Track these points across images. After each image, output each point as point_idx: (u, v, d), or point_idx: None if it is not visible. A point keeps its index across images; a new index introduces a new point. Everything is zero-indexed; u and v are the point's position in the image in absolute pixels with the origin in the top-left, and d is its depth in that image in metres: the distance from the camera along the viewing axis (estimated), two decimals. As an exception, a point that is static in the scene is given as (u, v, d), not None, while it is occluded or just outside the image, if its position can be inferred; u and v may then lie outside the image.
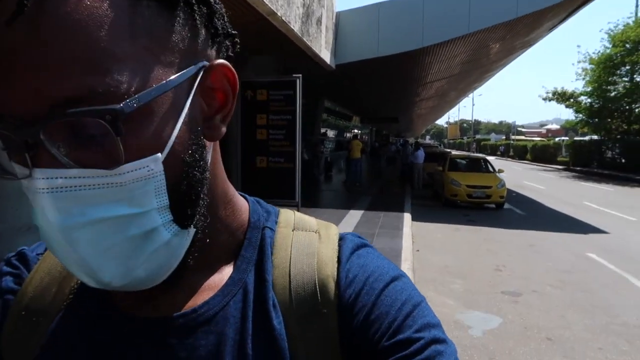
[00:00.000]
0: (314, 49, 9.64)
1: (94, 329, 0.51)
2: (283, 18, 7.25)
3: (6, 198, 5.28)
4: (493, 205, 13.56)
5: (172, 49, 0.43)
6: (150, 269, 0.45)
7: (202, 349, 0.49)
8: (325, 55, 10.82)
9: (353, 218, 10.07)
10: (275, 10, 6.83)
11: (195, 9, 0.45)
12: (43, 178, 0.38)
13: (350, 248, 0.56)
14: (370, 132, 45.86)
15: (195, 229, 0.48)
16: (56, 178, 0.38)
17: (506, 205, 13.64)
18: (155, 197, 0.43)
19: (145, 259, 0.44)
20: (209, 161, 0.49)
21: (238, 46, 0.54)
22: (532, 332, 4.76)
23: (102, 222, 0.41)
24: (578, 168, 29.95)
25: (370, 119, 33.86)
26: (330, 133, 25.16)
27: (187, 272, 0.50)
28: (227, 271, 0.54)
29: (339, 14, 12.04)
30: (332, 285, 0.52)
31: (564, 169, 31.25)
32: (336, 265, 0.53)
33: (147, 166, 0.41)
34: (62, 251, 0.41)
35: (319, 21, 9.89)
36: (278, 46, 9.10)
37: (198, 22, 0.46)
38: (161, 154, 0.42)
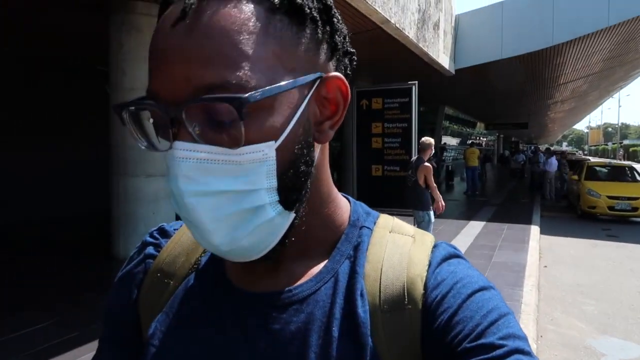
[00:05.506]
0: (431, 54, 9.41)
1: (210, 295, 0.60)
2: (397, 25, 7.19)
3: (142, 204, 5.94)
4: (641, 220, 11.93)
5: (296, 57, 0.51)
6: (253, 242, 0.51)
7: (292, 325, 0.54)
8: (444, 60, 10.49)
9: (473, 229, 9.56)
10: (388, 18, 6.82)
11: (320, 25, 0.53)
12: (181, 149, 0.47)
13: (442, 255, 0.58)
14: (497, 139, 43.32)
15: (294, 215, 0.54)
16: (190, 150, 0.47)
17: (659, 220, 11.89)
18: (266, 179, 0.50)
19: (250, 231, 0.50)
20: (315, 159, 0.56)
21: (355, 63, 0.61)
22: (685, 367, 4.06)
23: (221, 194, 0.48)
24: None
25: (496, 125, 32.00)
26: (453, 141, 24.28)
27: (287, 258, 0.57)
28: (323, 261, 0.59)
29: (458, 17, 11.63)
30: (419, 285, 0.54)
31: None
32: (426, 268, 0.56)
33: (262, 150, 0.49)
34: (186, 213, 0.49)
35: (436, 26, 9.63)
36: (393, 53, 9.04)
37: (321, 37, 0.53)
38: (275, 142, 0.49)
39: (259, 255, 0.53)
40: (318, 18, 0.53)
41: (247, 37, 0.47)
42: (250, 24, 0.47)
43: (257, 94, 0.46)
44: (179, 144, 0.47)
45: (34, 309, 4.52)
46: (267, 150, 0.49)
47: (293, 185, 0.52)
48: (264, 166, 0.49)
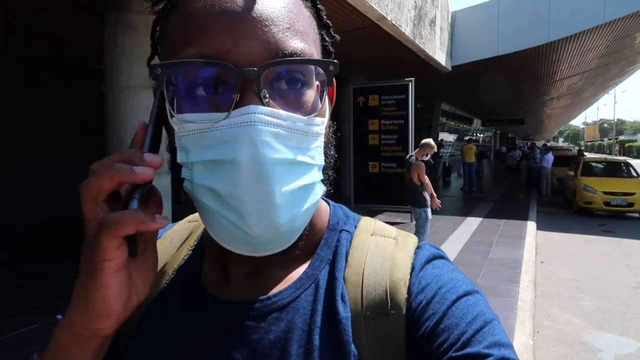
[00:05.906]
0: (428, 51, 9.42)
1: (186, 305, 0.58)
2: (393, 22, 7.20)
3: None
4: (637, 215, 11.99)
5: (320, 52, 0.54)
6: (302, 223, 0.50)
7: (272, 334, 0.52)
8: (440, 57, 10.50)
9: (470, 226, 9.59)
10: (385, 15, 6.82)
11: (329, 31, 0.58)
12: (259, 113, 0.44)
13: (425, 257, 0.57)
14: (494, 136, 43.38)
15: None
16: (269, 116, 0.45)
17: (654, 215, 11.96)
18: (319, 154, 0.50)
19: (303, 211, 0.49)
20: None
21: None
22: (680, 362, 4.10)
23: (291, 164, 0.47)
24: None
25: (493, 121, 32.06)
26: (450, 137, 24.33)
27: (267, 264, 0.55)
28: (302, 267, 0.57)
29: (454, 14, 11.64)
30: (402, 290, 0.53)
31: None
32: (409, 271, 0.54)
33: (319, 125, 0.49)
34: (251, 186, 0.44)
35: (432, 22, 9.64)
36: (389, 51, 9.04)
37: (325, 41, 0.57)
38: (324, 119, 0.51)
39: (290, 243, 0.51)
40: (330, 25, 0.57)
41: (307, 20, 0.51)
42: (307, 9, 0.52)
43: (332, 65, 0.48)
44: (254, 108, 0.44)
45: (34, 308, 4.52)
46: (322, 126, 0.50)
47: (327, 165, 0.53)
48: (319, 141, 0.50)
